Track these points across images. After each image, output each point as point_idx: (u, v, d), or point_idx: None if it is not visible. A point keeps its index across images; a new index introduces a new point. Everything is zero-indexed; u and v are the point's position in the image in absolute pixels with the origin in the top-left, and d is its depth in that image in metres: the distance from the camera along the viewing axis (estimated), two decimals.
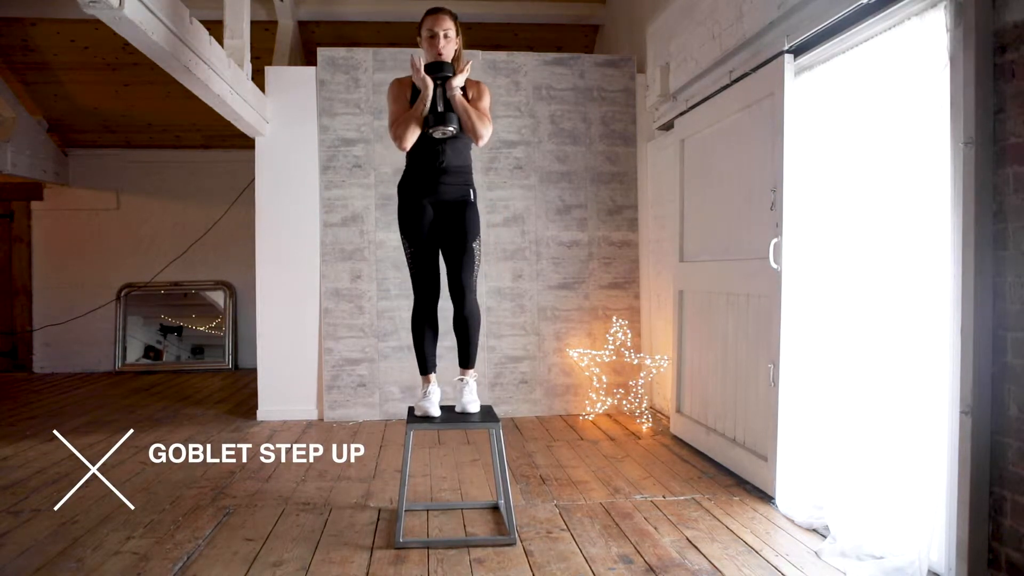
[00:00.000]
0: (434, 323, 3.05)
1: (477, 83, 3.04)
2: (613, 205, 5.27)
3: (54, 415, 5.16)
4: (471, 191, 3.02)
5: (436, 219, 3.00)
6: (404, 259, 3.12)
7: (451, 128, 2.87)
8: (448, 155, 2.94)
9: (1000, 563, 2.14)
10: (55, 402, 5.71)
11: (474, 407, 2.98)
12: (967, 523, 2.17)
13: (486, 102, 3.01)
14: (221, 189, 7.39)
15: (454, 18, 3.00)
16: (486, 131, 2.92)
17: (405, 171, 3.05)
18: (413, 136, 2.89)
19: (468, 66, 2.98)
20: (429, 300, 3.02)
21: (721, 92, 3.77)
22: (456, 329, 3.06)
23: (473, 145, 3.04)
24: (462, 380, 3.05)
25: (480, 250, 3.04)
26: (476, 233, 3.00)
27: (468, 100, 2.96)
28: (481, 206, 5.00)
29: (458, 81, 2.90)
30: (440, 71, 2.88)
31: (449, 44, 2.94)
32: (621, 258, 5.27)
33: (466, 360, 3.08)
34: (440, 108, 2.87)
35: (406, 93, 2.99)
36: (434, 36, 2.94)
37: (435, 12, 2.99)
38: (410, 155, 3.01)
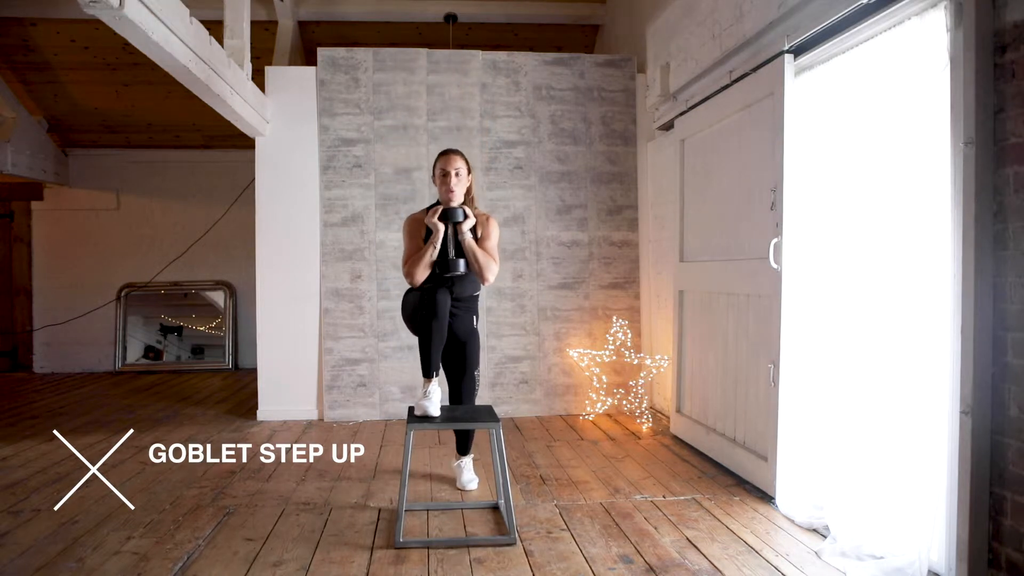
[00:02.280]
0: (442, 330, 3.09)
1: (487, 219, 3.27)
2: (613, 205, 5.27)
3: (54, 415, 5.16)
4: (475, 318, 3.31)
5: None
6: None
7: (459, 272, 3.13)
8: (457, 288, 3.17)
9: (1000, 563, 2.14)
10: (55, 402, 5.71)
11: (472, 485, 3.37)
12: (967, 523, 2.17)
13: (494, 240, 3.25)
14: (221, 189, 7.40)
15: (464, 158, 3.24)
16: (492, 274, 3.18)
17: (413, 289, 3.21)
18: (424, 276, 3.15)
19: (475, 198, 3.31)
20: (436, 303, 3.08)
21: (721, 92, 3.77)
22: (456, 433, 3.40)
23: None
24: (459, 465, 3.41)
25: (480, 376, 3.38)
26: (477, 362, 3.32)
27: (477, 237, 3.19)
28: (481, 206, 5.03)
29: (468, 224, 3.14)
30: (451, 217, 3.11)
31: (460, 182, 3.18)
32: (621, 258, 5.27)
33: (464, 448, 3.43)
34: (451, 252, 3.16)
35: (420, 231, 3.23)
36: (446, 175, 3.16)
37: (447, 153, 3.23)
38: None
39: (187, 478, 3.55)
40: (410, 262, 3.17)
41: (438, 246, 3.12)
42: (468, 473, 3.41)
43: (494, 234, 3.26)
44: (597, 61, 5.34)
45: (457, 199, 3.17)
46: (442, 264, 3.13)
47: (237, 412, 5.25)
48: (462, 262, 3.13)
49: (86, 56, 6.40)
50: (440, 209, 3.14)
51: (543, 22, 6.63)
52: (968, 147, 2.17)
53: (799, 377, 3.14)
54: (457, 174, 3.16)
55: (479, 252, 3.15)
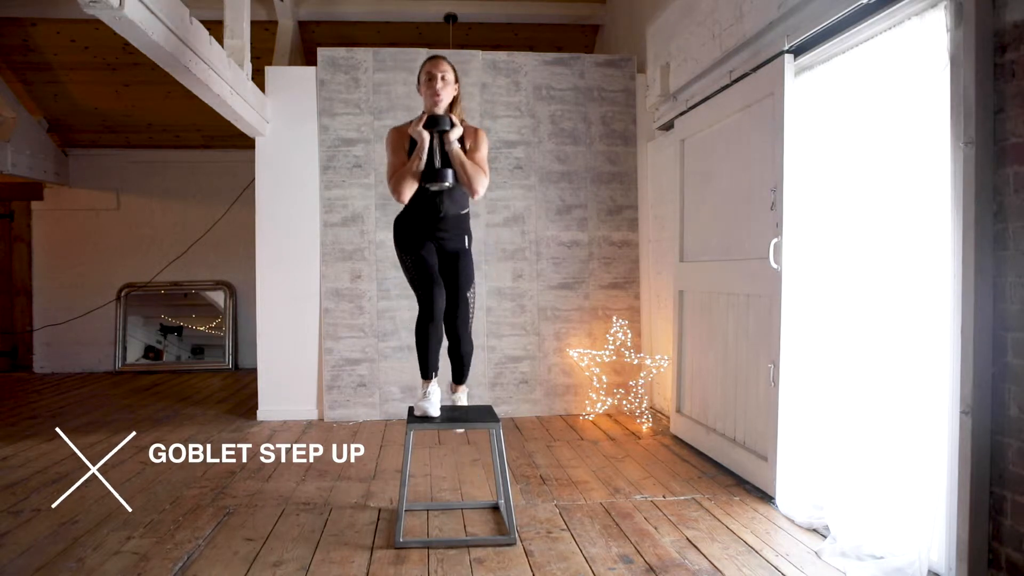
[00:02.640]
0: (438, 328, 3.06)
1: (475, 131, 3.06)
2: (613, 205, 5.27)
3: (54, 415, 5.16)
4: (467, 238, 3.10)
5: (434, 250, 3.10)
6: (405, 272, 3.16)
7: (447, 183, 2.91)
8: (446, 204, 3.00)
9: (1000, 563, 2.13)
10: (55, 402, 5.71)
11: (463, 402, 3.18)
12: (967, 523, 2.17)
13: (483, 152, 3.03)
14: (221, 189, 7.40)
15: (452, 65, 3.05)
16: (481, 185, 2.96)
17: (403, 213, 3.09)
18: (410, 190, 2.94)
19: (461, 107, 3.08)
20: (434, 306, 3.03)
21: (721, 92, 3.77)
22: (451, 358, 3.18)
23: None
24: (453, 393, 3.23)
25: (474, 298, 3.13)
26: (470, 282, 3.08)
27: (466, 150, 2.99)
28: (481, 206, 5.03)
29: (455, 134, 2.94)
30: (437, 124, 2.91)
31: (447, 88, 2.96)
32: (621, 258, 5.27)
33: (460, 377, 3.21)
34: (437, 162, 2.92)
35: (404, 143, 3.01)
36: (432, 79, 2.96)
37: (433, 57, 3.06)
38: (409, 201, 3.06)
39: (187, 478, 3.55)
40: (395, 176, 2.95)
41: (424, 157, 2.90)
42: (461, 401, 3.22)
43: (483, 146, 3.02)
44: (597, 61, 5.34)
45: (443, 105, 2.95)
46: (429, 175, 2.90)
47: (237, 412, 5.25)
48: (450, 172, 2.90)
49: (86, 56, 6.40)
50: (425, 118, 2.93)
51: (543, 22, 6.63)
52: (968, 147, 2.17)
53: (799, 377, 3.14)
54: (443, 78, 2.94)
55: (467, 161, 2.93)
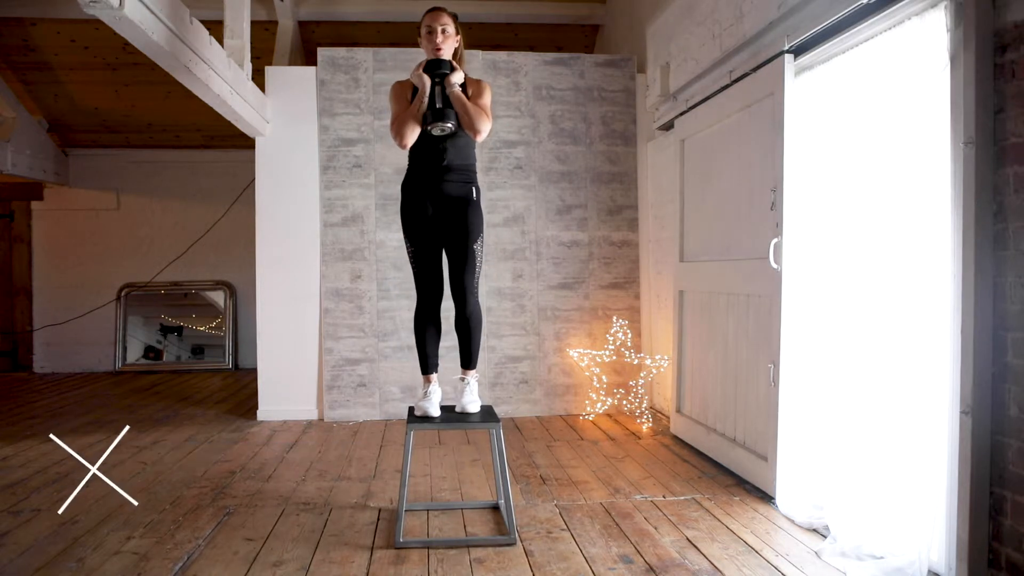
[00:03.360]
0: (437, 323, 3.05)
1: (478, 81, 3.04)
2: (613, 205, 5.27)
3: (54, 415, 5.16)
4: (474, 189, 3.01)
5: (438, 218, 2.99)
6: (405, 259, 3.13)
7: (449, 124, 2.86)
8: (450, 153, 2.94)
9: (1000, 563, 2.13)
10: (55, 402, 5.71)
11: (474, 407, 2.98)
12: (967, 523, 2.17)
13: (486, 99, 2.99)
14: (221, 189, 7.40)
15: (453, 16, 3.02)
16: (484, 126, 2.91)
17: (408, 170, 3.05)
18: (413, 134, 2.90)
19: (464, 62, 3.03)
20: (432, 299, 3.02)
21: (721, 92, 3.77)
22: (457, 329, 3.06)
23: (476, 143, 3.03)
24: (463, 380, 3.06)
25: (482, 250, 3.03)
26: (478, 233, 2.98)
27: (468, 97, 2.96)
28: (482, 206, 5.02)
29: (456, 77, 2.91)
30: (438, 68, 2.88)
31: (448, 40, 2.95)
32: (621, 258, 5.27)
33: (467, 360, 3.08)
34: (439, 105, 2.87)
35: (407, 93, 2.99)
36: (432, 32, 2.95)
37: (434, 9, 3.02)
38: (412, 154, 3.02)
39: (187, 478, 3.55)
40: (397, 121, 2.91)
41: (426, 100, 2.87)
42: (470, 393, 3.04)
43: (487, 94, 2.99)
44: (597, 61, 5.34)
45: (444, 57, 2.93)
46: (433, 113, 2.84)
47: (237, 412, 5.25)
48: (452, 113, 2.85)
49: (86, 56, 6.40)
50: (425, 62, 2.92)
51: (543, 22, 6.63)
52: (968, 147, 2.17)
53: (799, 377, 3.14)
54: (444, 31, 2.93)
55: (468, 103, 2.88)
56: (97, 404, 5.61)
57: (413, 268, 3.05)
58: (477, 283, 3.02)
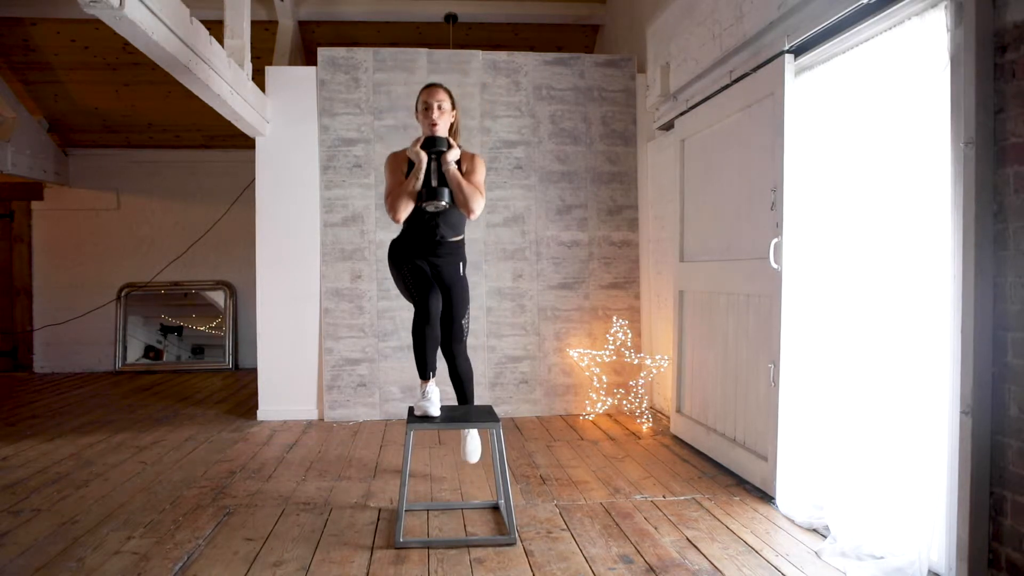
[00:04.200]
0: (435, 330, 3.09)
1: (472, 156, 3.11)
2: (613, 205, 5.27)
3: (55, 415, 5.16)
4: (462, 265, 3.15)
5: (431, 273, 3.14)
6: (400, 287, 3.22)
7: (443, 203, 2.93)
8: (442, 228, 3.05)
9: (1000, 563, 2.13)
10: (56, 402, 5.71)
11: (475, 457, 3.34)
12: (967, 523, 2.17)
13: (480, 176, 3.06)
14: (221, 189, 7.40)
15: (449, 92, 3.08)
16: (478, 206, 3.00)
17: (400, 235, 3.13)
18: (407, 210, 2.98)
19: (459, 135, 3.16)
20: (430, 311, 3.05)
21: (721, 92, 3.77)
22: (453, 384, 3.28)
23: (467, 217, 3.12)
24: (465, 435, 3.34)
25: (469, 322, 3.24)
26: (465, 309, 3.17)
27: (463, 173, 3.02)
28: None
29: (452, 155, 2.97)
30: (434, 146, 2.94)
31: (444, 116, 3.01)
32: (621, 258, 5.27)
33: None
34: (434, 183, 2.94)
35: (402, 166, 3.06)
36: (428, 108, 3.01)
37: (430, 86, 3.09)
38: (405, 225, 3.10)
39: (187, 478, 3.55)
40: (392, 196, 3.00)
41: (421, 177, 2.93)
42: (473, 442, 3.25)
43: (480, 170, 3.07)
44: (597, 61, 5.34)
45: (441, 133, 3.01)
46: (428, 191, 2.92)
47: (237, 412, 5.25)
48: (446, 191, 2.92)
49: (86, 56, 6.40)
50: (422, 138, 2.99)
51: (543, 22, 6.63)
52: (968, 147, 2.17)
53: (799, 377, 3.14)
54: (440, 107, 2.99)
55: (464, 182, 2.96)
56: (97, 404, 5.61)
57: (409, 290, 3.09)
58: (466, 346, 3.24)
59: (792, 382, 3.14)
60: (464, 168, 3.04)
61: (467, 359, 3.22)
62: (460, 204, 2.99)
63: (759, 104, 3.37)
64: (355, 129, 5.08)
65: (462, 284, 3.15)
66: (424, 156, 2.95)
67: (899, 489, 2.48)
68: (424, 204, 2.95)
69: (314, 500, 3.22)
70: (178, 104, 6.55)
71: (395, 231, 4.95)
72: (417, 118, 3.08)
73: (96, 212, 7.53)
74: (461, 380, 3.23)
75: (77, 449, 4.11)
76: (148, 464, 3.80)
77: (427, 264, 3.13)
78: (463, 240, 3.18)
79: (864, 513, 2.60)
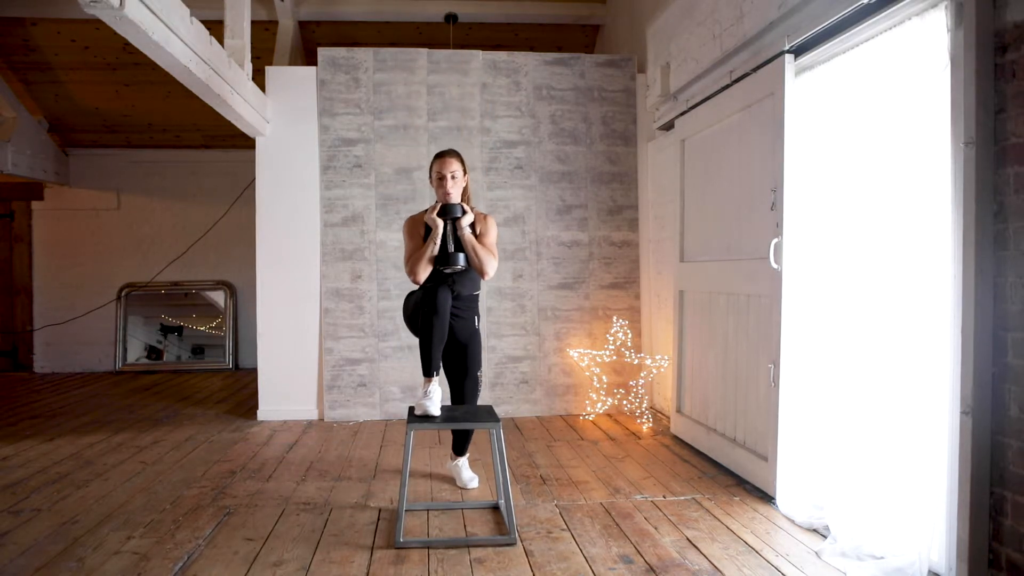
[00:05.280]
0: (443, 328, 3.10)
1: (485, 217, 3.30)
2: (613, 205, 5.27)
3: (55, 415, 5.16)
4: (476, 319, 3.34)
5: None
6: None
7: (459, 267, 3.16)
8: (458, 285, 3.22)
9: (1000, 563, 2.13)
10: (56, 402, 5.71)
11: (474, 484, 3.40)
12: (967, 523, 2.17)
13: (492, 237, 3.28)
14: (221, 189, 7.40)
15: (460, 159, 3.26)
16: (491, 269, 3.20)
17: (418, 291, 3.26)
18: (426, 273, 3.17)
19: (471, 196, 3.36)
20: (437, 301, 3.09)
21: (721, 92, 3.77)
22: (454, 432, 3.42)
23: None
24: (455, 465, 3.45)
25: (483, 377, 3.41)
26: (479, 364, 3.34)
27: (476, 235, 3.22)
28: (481, 206, 5.03)
29: (467, 220, 3.17)
30: (450, 212, 3.15)
31: (456, 184, 3.21)
32: (621, 258, 5.27)
33: (462, 451, 3.45)
34: (451, 247, 3.18)
35: (419, 229, 3.27)
36: (443, 178, 3.20)
37: (442, 155, 3.25)
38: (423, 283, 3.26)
39: (187, 478, 3.55)
40: (411, 260, 3.21)
41: (438, 242, 3.15)
42: (468, 472, 3.44)
43: (492, 231, 3.29)
44: (597, 61, 5.33)
45: (454, 201, 3.22)
46: (442, 259, 3.16)
47: (237, 412, 5.25)
48: (462, 256, 3.16)
49: (87, 56, 6.40)
50: (439, 206, 3.19)
51: (543, 22, 6.63)
52: (968, 147, 2.17)
53: (799, 377, 3.14)
54: (453, 176, 3.20)
55: (478, 246, 3.18)
56: (97, 404, 5.61)
57: (423, 308, 3.13)
58: (477, 400, 3.37)
59: (792, 382, 3.14)
60: (478, 230, 3.24)
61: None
62: (475, 267, 3.20)
63: (759, 104, 3.37)
64: (355, 129, 5.07)
65: (477, 338, 3.34)
66: (440, 223, 3.15)
67: (899, 489, 2.48)
68: (442, 268, 3.17)
69: (314, 500, 3.22)
70: (178, 104, 6.56)
71: (396, 228, 4.97)
72: (431, 184, 3.27)
73: (96, 212, 7.53)
74: (465, 433, 3.40)
75: (77, 449, 4.11)
76: (148, 464, 3.80)
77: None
78: (478, 295, 3.36)
79: (864, 513, 2.60)
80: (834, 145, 3.00)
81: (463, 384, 3.31)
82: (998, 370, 2.14)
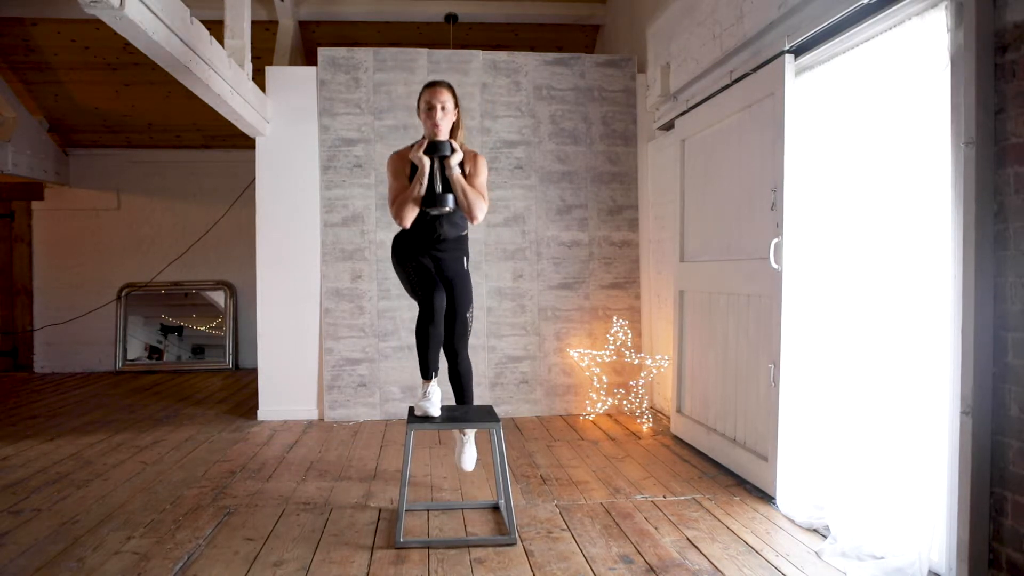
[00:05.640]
0: (439, 329, 3.09)
1: (475, 156, 3.09)
2: (614, 205, 5.27)
3: (55, 415, 5.16)
4: (465, 259, 3.17)
5: (434, 268, 3.13)
6: (404, 284, 3.20)
7: (447, 208, 2.98)
8: (445, 227, 3.07)
9: (1001, 563, 2.13)
10: (56, 402, 5.71)
11: (469, 466, 3.25)
12: (968, 523, 2.17)
13: (482, 178, 3.08)
14: (221, 189, 7.40)
15: (452, 91, 3.05)
16: (480, 212, 3.01)
17: (402, 233, 3.14)
18: (412, 215, 3.00)
19: (463, 132, 3.13)
20: (434, 309, 3.05)
21: (722, 92, 3.77)
22: (452, 382, 3.23)
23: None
24: (463, 435, 3.25)
25: (473, 317, 3.20)
26: (469, 303, 3.14)
27: (465, 175, 3.03)
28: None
29: (456, 159, 2.98)
30: (438, 150, 2.95)
31: (447, 116, 3.00)
32: (622, 258, 5.27)
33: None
34: (438, 187, 2.98)
35: (405, 168, 3.06)
36: (431, 108, 2.98)
37: (432, 85, 3.04)
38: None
39: (187, 478, 3.55)
40: (397, 201, 3.01)
41: (424, 182, 2.95)
42: (470, 451, 3.23)
43: (483, 172, 3.08)
44: (597, 61, 5.33)
45: (443, 134, 3.00)
46: (429, 199, 2.96)
47: (237, 412, 5.25)
48: (450, 197, 2.96)
49: (87, 56, 6.40)
50: (425, 143, 2.98)
51: (543, 22, 6.63)
52: (968, 147, 2.17)
53: (799, 377, 3.14)
54: (443, 108, 2.97)
55: (467, 187, 2.98)
56: (97, 404, 5.61)
57: (414, 288, 3.09)
58: (468, 343, 3.20)
59: (792, 382, 3.14)
60: (467, 170, 3.05)
61: (468, 359, 3.21)
62: (463, 209, 3.02)
63: (759, 104, 3.37)
64: (355, 129, 5.08)
65: (465, 278, 3.15)
66: (427, 161, 2.95)
67: (899, 489, 2.48)
68: (428, 209, 2.99)
69: (314, 500, 3.22)
70: (178, 104, 6.55)
71: (396, 228, 4.96)
72: (419, 116, 3.07)
73: (96, 212, 7.53)
74: (461, 379, 3.20)
75: (77, 449, 4.12)
76: (148, 464, 3.80)
77: (430, 259, 3.13)
78: (466, 235, 3.20)
79: (864, 513, 2.59)
80: (834, 145, 3.00)
81: (453, 326, 3.10)
82: (998, 370, 2.14)
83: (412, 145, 3.07)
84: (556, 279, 5.19)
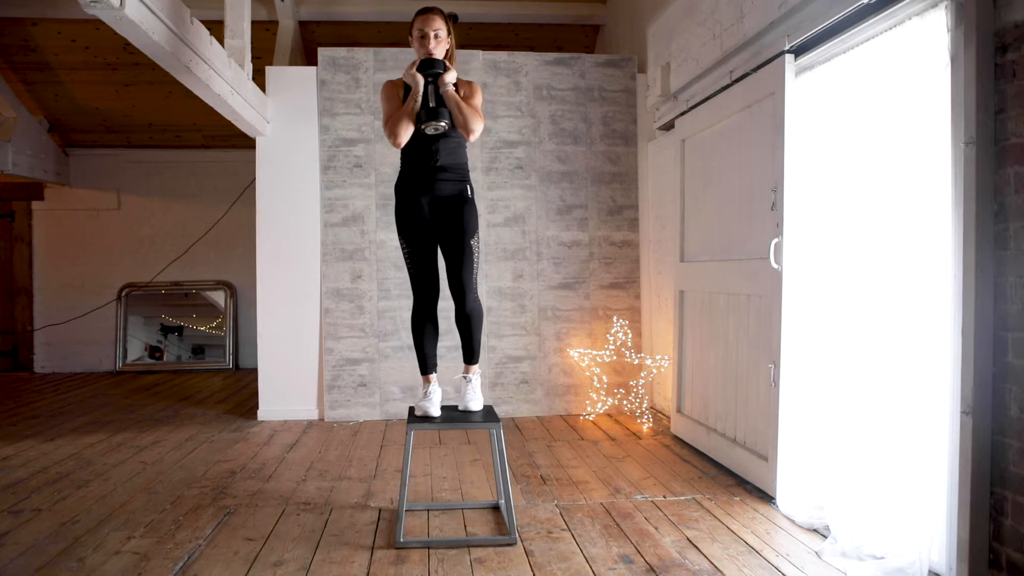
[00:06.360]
0: (434, 322, 3.06)
1: (469, 83, 3.04)
2: (614, 205, 5.27)
3: (55, 415, 5.16)
4: (468, 187, 3.03)
5: (433, 217, 3.00)
6: (404, 258, 3.13)
7: (442, 123, 2.87)
8: (443, 153, 2.96)
9: (1001, 563, 2.13)
10: (56, 402, 5.71)
11: (476, 405, 3.01)
12: (968, 523, 2.17)
13: (478, 100, 3.00)
14: (222, 189, 7.41)
15: (445, 17, 2.98)
16: (477, 126, 2.91)
17: (401, 171, 3.07)
18: (406, 132, 2.90)
19: (456, 62, 3.01)
20: (429, 299, 3.03)
21: (722, 92, 3.77)
22: (459, 326, 3.06)
23: (468, 144, 3.04)
24: (466, 377, 3.06)
25: (479, 247, 3.05)
26: (474, 230, 2.99)
27: (460, 97, 2.96)
28: (481, 206, 5.03)
29: (450, 77, 2.91)
30: (431, 68, 2.88)
31: (440, 44, 2.93)
32: (622, 258, 5.27)
33: (470, 356, 3.08)
34: (432, 104, 2.88)
35: (399, 92, 3.01)
36: (424, 36, 2.92)
37: (425, 12, 2.96)
38: (405, 155, 3.03)
39: (187, 478, 3.55)
40: (391, 121, 2.92)
41: (419, 99, 2.88)
42: (473, 391, 3.02)
43: (478, 94, 3.00)
44: (598, 61, 5.33)
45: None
46: (427, 112, 2.86)
47: (237, 412, 5.25)
48: (445, 112, 2.87)
49: (87, 56, 6.40)
50: (418, 61, 2.90)
51: (543, 22, 6.63)
52: (969, 147, 2.17)
53: (799, 377, 3.14)
54: (436, 35, 2.90)
55: (462, 103, 2.89)
56: (97, 404, 5.61)
57: (409, 269, 3.05)
58: (476, 279, 3.03)
59: (792, 382, 3.14)
60: (462, 93, 2.98)
61: (478, 299, 3.02)
62: (459, 125, 2.92)
63: (759, 104, 3.37)
64: (355, 129, 5.08)
65: (470, 205, 3.01)
66: (420, 78, 2.87)
67: (899, 489, 2.48)
68: (423, 126, 2.89)
69: (314, 500, 3.22)
70: (178, 104, 6.55)
71: (395, 231, 4.96)
72: (412, 45, 2.99)
73: (96, 212, 7.53)
74: (469, 322, 3.01)
75: (77, 449, 4.12)
76: (148, 464, 3.81)
77: (431, 199, 2.98)
78: (466, 165, 3.07)
79: (864, 513, 2.59)
80: (834, 145, 3.00)
81: (461, 256, 2.95)
82: (998, 370, 2.14)
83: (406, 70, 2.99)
84: (556, 279, 5.19)
